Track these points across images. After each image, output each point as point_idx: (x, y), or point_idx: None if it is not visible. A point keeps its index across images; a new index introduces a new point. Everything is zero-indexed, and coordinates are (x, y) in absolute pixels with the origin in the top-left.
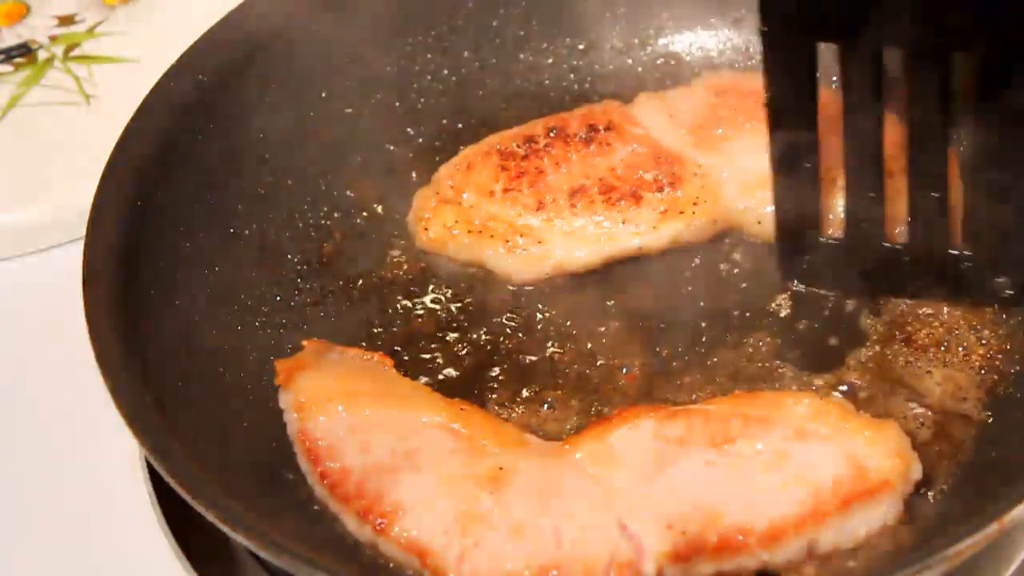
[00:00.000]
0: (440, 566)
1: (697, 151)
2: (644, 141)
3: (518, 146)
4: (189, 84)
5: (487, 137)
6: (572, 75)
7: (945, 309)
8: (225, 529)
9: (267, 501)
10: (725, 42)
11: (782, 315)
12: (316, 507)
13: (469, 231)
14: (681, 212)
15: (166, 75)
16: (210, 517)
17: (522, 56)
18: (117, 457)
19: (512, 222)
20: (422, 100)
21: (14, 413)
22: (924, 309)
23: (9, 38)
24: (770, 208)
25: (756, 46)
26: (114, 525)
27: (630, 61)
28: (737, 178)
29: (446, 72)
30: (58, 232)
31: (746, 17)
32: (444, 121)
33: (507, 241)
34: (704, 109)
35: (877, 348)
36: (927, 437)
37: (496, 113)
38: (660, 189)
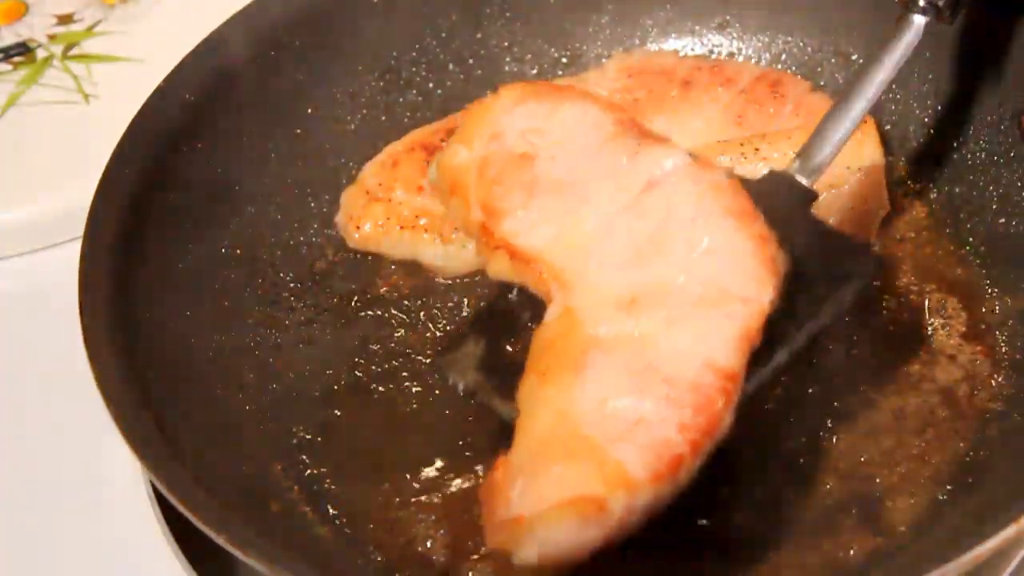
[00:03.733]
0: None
1: None
2: None
3: (442, 140)
4: (175, 106)
5: (409, 133)
6: None
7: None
8: (238, 554)
9: (268, 523)
10: (711, 47)
11: None
12: (318, 528)
13: (401, 227)
14: None
15: (152, 97)
16: (221, 542)
17: (507, 68)
18: (116, 456)
19: (444, 215)
20: (408, 114)
21: (13, 412)
22: None
23: (8, 37)
24: None
25: (743, 50)
26: (113, 524)
27: None
28: None
29: (431, 85)
30: (56, 231)
31: (730, 21)
32: None
33: (441, 235)
34: (620, 91)
35: None
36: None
37: None
38: None
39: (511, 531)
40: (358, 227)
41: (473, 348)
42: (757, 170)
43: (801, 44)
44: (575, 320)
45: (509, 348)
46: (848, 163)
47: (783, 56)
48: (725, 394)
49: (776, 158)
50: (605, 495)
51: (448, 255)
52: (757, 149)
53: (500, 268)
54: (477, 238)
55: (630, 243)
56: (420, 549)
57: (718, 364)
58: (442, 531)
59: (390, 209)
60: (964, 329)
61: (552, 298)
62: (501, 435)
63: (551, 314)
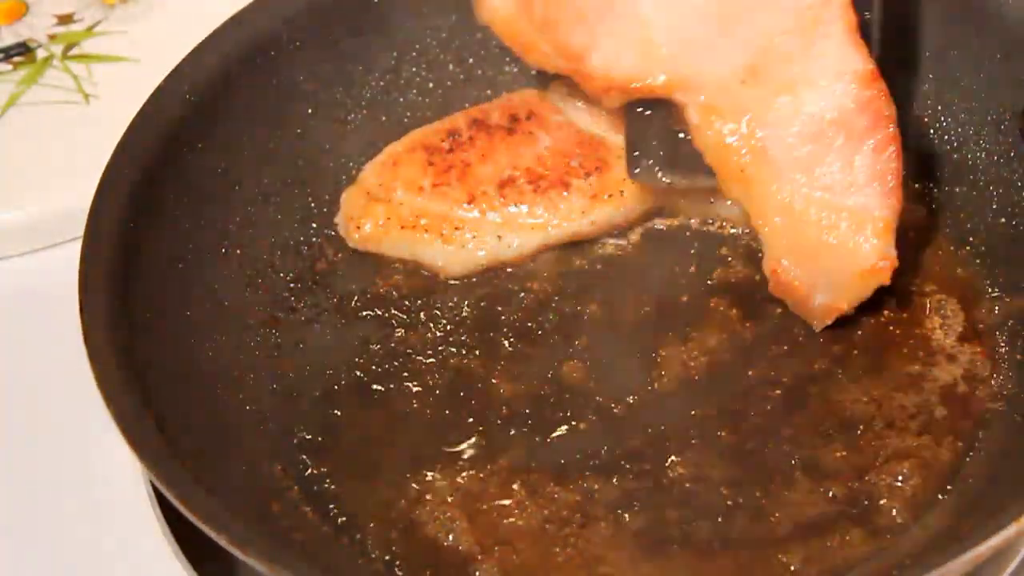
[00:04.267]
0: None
1: (618, 134)
2: (565, 128)
3: (442, 140)
4: (175, 106)
5: (410, 133)
6: None
7: None
8: (238, 553)
9: (268, 523)
10: None
11: (731, 282)
12: (318, 528)
13: (402, 227)
14: (610, 195)
15: (152, 97)
16: (222, 542)
17: (507, 68)
18: (115, 456)
19: (445, 216)
20: (408, 114)
21: (13, 412)
22: None
23: (8, 37)
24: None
25: None
26: (113, 524)
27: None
28: None
29: (431, 85)
30: (56, 232)
31: None
32: None
33: (442, 235)
34: None
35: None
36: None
37: None
38: (588, 174)
39: (833, 311)
40: (358, 227)
41: (651, 148)
42: None
43: None
44: (721, 114)
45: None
46: None
47: None
48: (880, 91)
49: None
50: (883, 246)
51: (448, 255)
52: None
53: (618, 100)
54: (581, 84)
55: (706, 22)
56: (421, 548)
57: (855, 68)
58: (443, 530)
59: (390, 209)
60: (963, 329)
61: (683, 103)
62: (497, 436)
63: (694, 119)
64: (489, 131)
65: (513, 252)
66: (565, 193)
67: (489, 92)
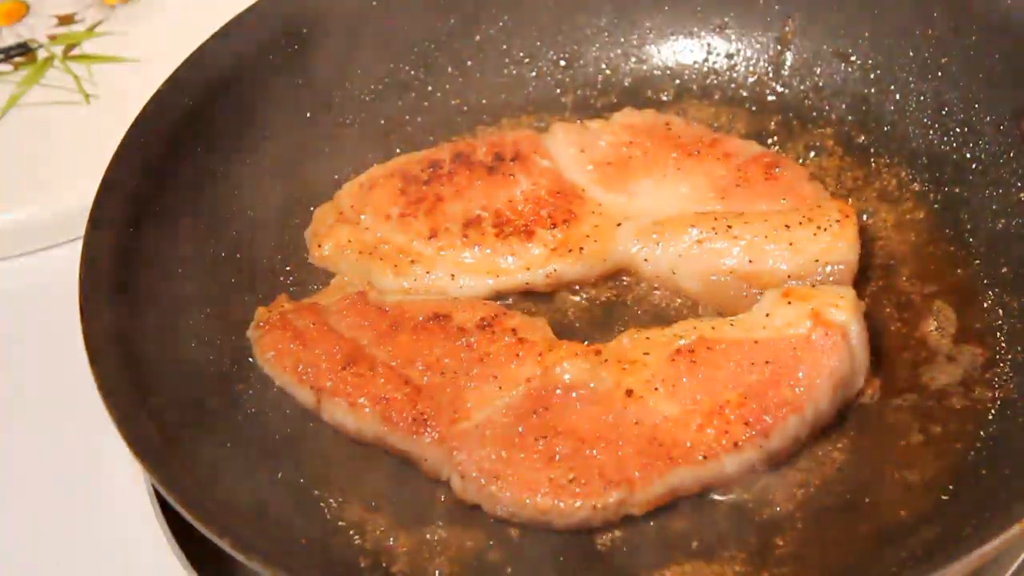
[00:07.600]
0: None
1: (599, 188)
2: (548, 175)
3: (422, 170)
4: (175, 110)
5: (397, 157)
6: (557, 88)
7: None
8: (239, 556)
9: (268, 526)
10: (709, 49)
11: None
12: (317, 530)
13: (360, 251)
14: (570, 250)
15: (152, 101)
16: (224, 545)
17: (505, 71)
18: (116, 456)
19: (403, 247)
20: (407, 117)
21: (13, 412)
22: None
23: (9, 37)
24: (659, 250)
25: (742, 51)
26: (113, 524)
27: (614, 71)
28: (635, 219)
29: (430, 88)
30: (58, 232)
31: (728, 23)
32: (431, 137)
33: (395, 265)
34: (617, 146)
35: None
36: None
37: (482, 128)
38: (554, 226)
39: None
40: (320, 245)
41: None
42: (725, 248)
43: (800, 45)
44: None
45: None
46: (819, 256)
47: (781, 58)
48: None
49: (747, 239)
50: None
51: (398, 286)
52: (729, 226)
53: None
54: None
55: None
56: (423, 548)
57: None
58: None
59: (354, 232)
60: (963, 330)
61: None
62: None
63: None
64: (470, 167)
65: (463, 294)
66: (528, 244)
67: (487, 95)
